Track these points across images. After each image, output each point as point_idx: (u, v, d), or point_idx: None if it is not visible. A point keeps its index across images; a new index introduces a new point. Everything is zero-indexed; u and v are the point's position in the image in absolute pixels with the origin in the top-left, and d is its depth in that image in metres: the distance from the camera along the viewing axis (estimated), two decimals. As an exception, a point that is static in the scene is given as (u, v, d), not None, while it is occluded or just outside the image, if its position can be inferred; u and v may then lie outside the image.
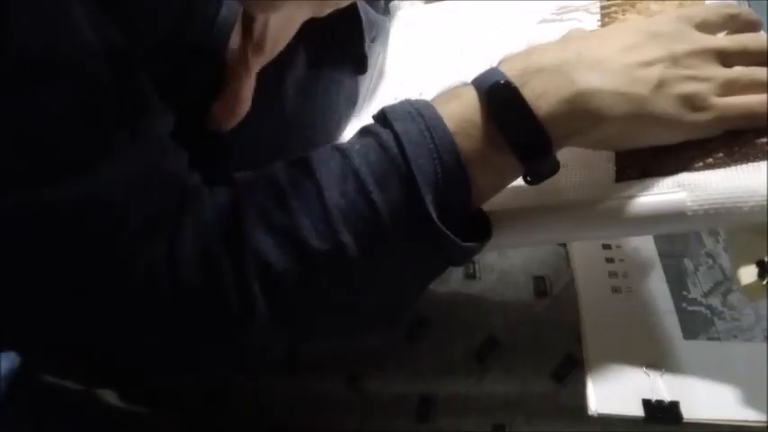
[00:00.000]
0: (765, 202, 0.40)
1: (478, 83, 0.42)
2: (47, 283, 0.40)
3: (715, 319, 0.53)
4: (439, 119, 0.41)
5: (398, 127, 0.41)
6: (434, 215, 0.40)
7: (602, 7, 0.57)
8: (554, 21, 0.62)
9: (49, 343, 0.45)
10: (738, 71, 0.44)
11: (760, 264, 0.42)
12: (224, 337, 0.43)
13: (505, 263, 0.58)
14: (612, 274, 0.56)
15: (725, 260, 0.57)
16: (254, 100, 0.51)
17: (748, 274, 0.43)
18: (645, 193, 0.43)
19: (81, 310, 0.41)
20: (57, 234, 0.38)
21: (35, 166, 0.36)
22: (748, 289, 0.43)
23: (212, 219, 0.41)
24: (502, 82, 0.41)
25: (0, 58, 0.33)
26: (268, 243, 0.40)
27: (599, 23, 0.57)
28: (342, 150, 0.42)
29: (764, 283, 0.42)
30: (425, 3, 0.76)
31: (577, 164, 0.47)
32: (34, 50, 0.34)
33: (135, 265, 0.40)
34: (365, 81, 0.63)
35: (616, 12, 0.55)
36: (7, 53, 0.33)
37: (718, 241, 0.59)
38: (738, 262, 0.44)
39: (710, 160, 0.43)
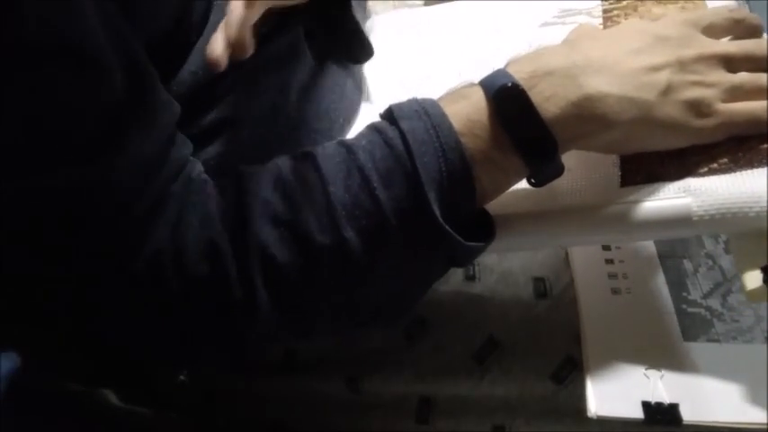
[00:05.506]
0: None
1: (486, 84, 0.42)
2: (52, 269, 0.40)
3: (715, 320, 0.53)
4: (445, 118, 0.42)
5: (404, 125, 0.41)
6: (438, 213, 0.41)
7: (605, 11, 0.56)
8: (556, 24, 0.62)
9: (55, 331, 0.45)
10: (743, 77, 0.44)
11: (765, 269, 0.42)
12: (226, 328, 0.43)
13: (505, 264, 0.58)
14: (612, 276, 0.56)
15: (725, 261, 0.57)
16: (258, 104, 0.51)
17: (753, 279, 0.43)
18: (650, 197, 0.43)
19: (87, 297, 0.41)
20: (63, 218, 0.38)
21: (43, 152, 0.37)
22: (753, 294, 0.43)
23: (217, 210, 0.42)
24: (510, 84, 0.41)
25: (11, 45, 0.34)
26: (272, 237, 0.41)
27: (600, 27, 0.57)
28: (348, 146, 0.43)
29: None
30: (425, 4, 0.75)
31: (582, 167, 0.47)
32: (44, 38, 0.35)
33: (140, 252, 0.40)
34: (367, 84, 0.63)
35: (618, 15, 0.54)
36: (17, 41, 0.34)
37: (717, 242, 0.58)
38: (743, 267, 0.44)
39: (715, 166, 0.43)
